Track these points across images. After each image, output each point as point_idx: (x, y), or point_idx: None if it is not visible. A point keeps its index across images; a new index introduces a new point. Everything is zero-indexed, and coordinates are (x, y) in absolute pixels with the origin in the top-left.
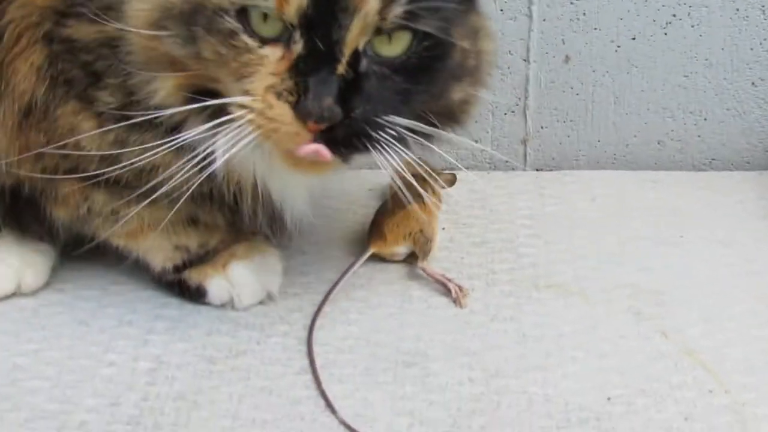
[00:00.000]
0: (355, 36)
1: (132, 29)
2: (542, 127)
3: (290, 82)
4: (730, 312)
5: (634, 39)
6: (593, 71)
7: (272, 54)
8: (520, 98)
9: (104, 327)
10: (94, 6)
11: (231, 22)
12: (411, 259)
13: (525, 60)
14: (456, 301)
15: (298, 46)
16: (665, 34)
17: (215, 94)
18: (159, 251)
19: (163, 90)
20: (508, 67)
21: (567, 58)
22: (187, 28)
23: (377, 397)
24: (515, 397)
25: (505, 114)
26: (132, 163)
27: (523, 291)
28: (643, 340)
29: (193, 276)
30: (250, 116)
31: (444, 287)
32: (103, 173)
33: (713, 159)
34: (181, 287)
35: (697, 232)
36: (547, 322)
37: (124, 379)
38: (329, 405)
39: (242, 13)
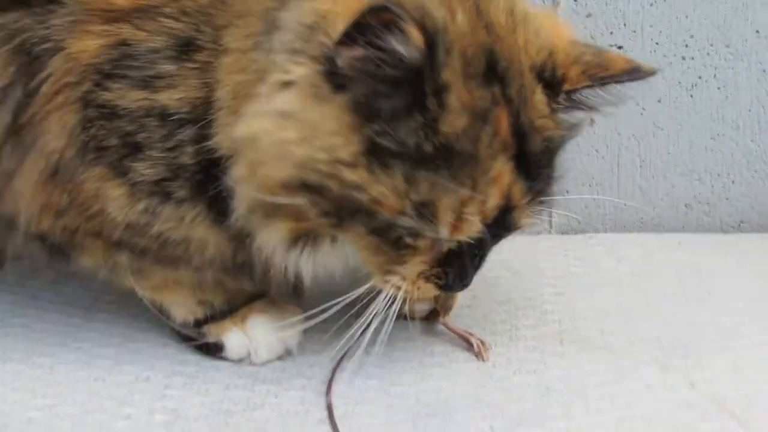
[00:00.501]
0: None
1: (248, 179)
2: (567, 191)
3: (439, 270)
4: (758, 362)
5: (659, 101)
6: (618, 134)
7: (424, 244)
8: None
9: (120, 382)
10: (143, 73)
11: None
12: (432, 317)
13: None
14: (478, 355)
15: (451, 245)
16: (691, 96)
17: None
18: (182, 305)
19: (276, 236)
20: None
21: (591, 121)
22: (339, 211)
23: None
24: None
25: None
26: (161, 235)
27: (547, 346)
28: (670, 391)
29: (212, 330)
30: (399, 293)
31: (466, 341)
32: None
33: (742, 222)
34: (200, 341)
35: (724, 288)
36: (571, 375)
37: (138, 430)
38: None
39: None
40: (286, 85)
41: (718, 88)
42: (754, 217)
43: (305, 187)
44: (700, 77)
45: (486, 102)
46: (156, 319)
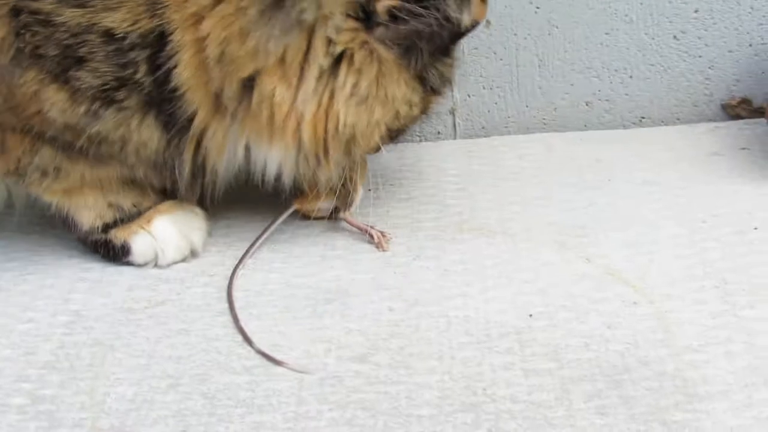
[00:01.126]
0: None
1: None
2: (469, 96)
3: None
4: (654, 238)
5: None
6: (515, 35)
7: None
8: None
9: (25, 291)
10: None
11: None
12: (334, 215)
13: None
14: (378, 246)
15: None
16: None
17: None
18: (92, 209)
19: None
20: None
21: (488, 23)
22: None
23: (295, 330)
24: (434, 320)
25: None
26: (98, 134)
27: (447, 234)
28: (566, 265)
29: (119, 234)
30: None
31: (367, 234)
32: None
33: (643, 117)
34: (107, 247)
35: (623, 176)
36: (469, 258)
37: (41, 331)
38: (246, 338)
39: None
40: (338, 59)
41: None
42: (655, 112)
43: (389, 132)
44: None
45: None
46: (60, 235)
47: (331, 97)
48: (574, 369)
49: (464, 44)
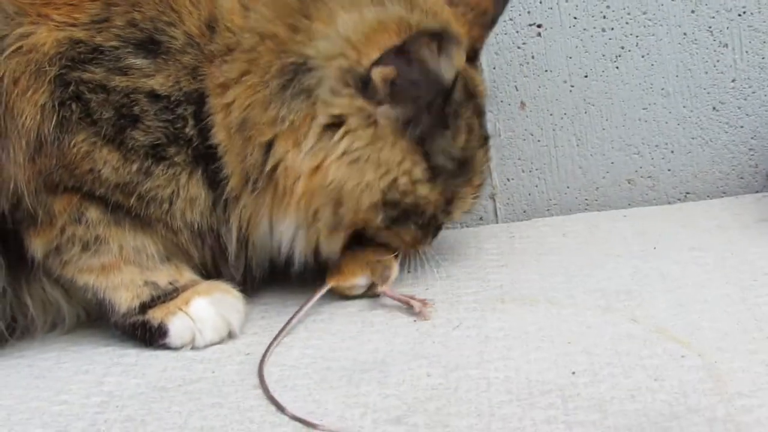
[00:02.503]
0: None
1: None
2: (508, 180)
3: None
4: (703, 297)
5: (586, 77)
6: (551, 115)
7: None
8: None
9: (60, 377)
10: (115, 64)
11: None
12: (370, 291)
13: None
14: (419, 314)
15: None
16: (617, 68)
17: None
18: (129, 288)
19: (340, 244)
20: None
21: (522, 105)
22: (399, 217)
23: (330, 397)
24: (474, 382)
25: None
26: (149, 192)
27: (488, 305)
28: (611, 327)
29: (156, 315)
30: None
31: (407, 305)
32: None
33: (687, 192)
34: (144, 329)
35: (669, 243)
36: (511, 326)
37: (73, 411)
38: (278, 406)
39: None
40: (337, 124)
41: (643, 57)
42: (699, 187)
43: (386, 205)
44: (623, 47)
45: (471, 118)
46: (96, 325)
47: (326, 156)
48: (619, 419)
49: (500, 127)
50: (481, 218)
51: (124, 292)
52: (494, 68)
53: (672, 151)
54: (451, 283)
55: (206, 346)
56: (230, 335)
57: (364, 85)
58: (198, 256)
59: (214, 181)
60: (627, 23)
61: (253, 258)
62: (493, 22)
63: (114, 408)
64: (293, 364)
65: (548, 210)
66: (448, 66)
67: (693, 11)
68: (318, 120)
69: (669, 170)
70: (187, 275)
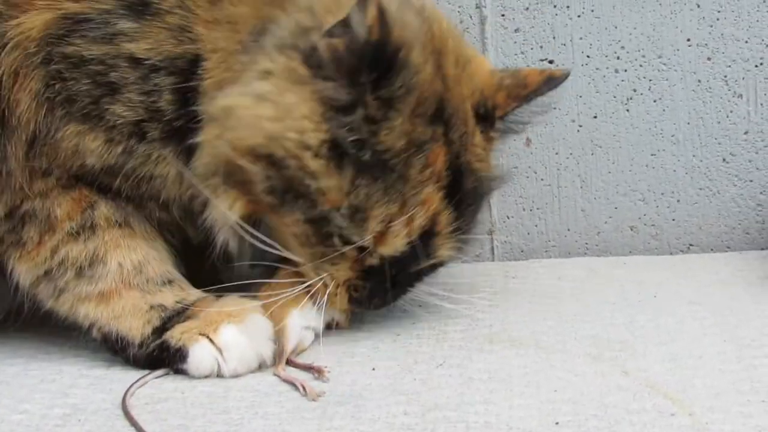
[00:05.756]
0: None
1: (217, 141)
2: (508, 217)
3: (360, 283)
4: (698, 353)
5: (595, 117)
6: (556, 154)
7: (350, 254)
8: None
9: (24, 384)
10: (102, 32)
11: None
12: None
13: None
14: (309, 394)
15: (374, 260)
16: (627, 110)
17: None
18: (134, 315)
19: (229, 208)
20: None
21: (528, 141)
22: (285, 192)
23: (301, 429)
24: (452, 425)
25: None
26: (134, 172)
27: (475, 345)
28: (601, 378)
29: (175, 334)
30: (326, 290)
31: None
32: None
33: (691, 244)
34: (161, 351)
35: (668, 296)
36: (497, 368)
37: (33, 422)
38: None
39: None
40: (267, 73)
41: (654, 101)
42: (703, 239)
43: (267, 158)
44: (635, 90)
45: (425, 136)
46: (67, 334)
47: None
48: None
49: (504, 163)
50: (477, 255)
51: (131, 320)
52: None
53: (678, 201)
54: (439, 319)
55: (233, 377)
56: (260, 367)
57: (310, 53)
58: (194, 234)
59: (192, 158)
60: (641, 66)
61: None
62: (527, 98)
63: (75, 422)
64: (266, 391)
65: (546, 251)
66: (360, 19)
67: (709, 58)
68: (249, 72)
69: (673, 220)
70: (195, 292)
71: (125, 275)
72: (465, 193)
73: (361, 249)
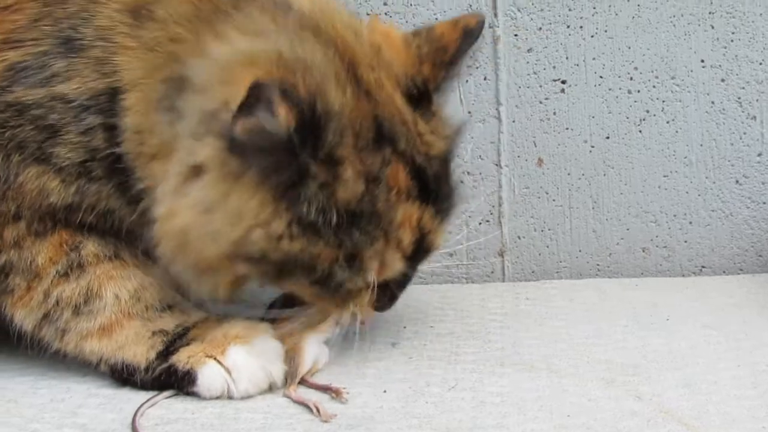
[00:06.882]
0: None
1: (174, 261)
2: (519, 237)
3: (379, 294)
4: (713, 378)
5: (608, 138)
6: (568, 174)
7: (363, 287)
8: (494, 206)
9: (33, 403)
10: (39, 76)
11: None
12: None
13: (497, 164)
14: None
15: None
16: (640, 131)
17: None
18: (138, 342)
19: (214, 288)
20: (480, 173)
21: (540, 161)
22: (279, 272)
23: None
24: None
25: (480, 223)
26: (94, 208)
27: (487, 368)
28: (614, 402)
29: (181, 358)
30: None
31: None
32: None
33: (703, 266)
34: (168, 375)
35: (681, 319)
36: (509, 391)
37: None
38: None
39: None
40: (196, 170)
41: (667, 122)
42: (716, 261)
43: (245, 258)
44: (647, 111)
45: (377, 166)
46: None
47: (180, 202)
48: None
49: (515, 183)
50: (487, 276)
51: (134, 348)
52: (513, 121)
53: (690, 222)
54: (451, 341)
55: (243, 399)
56: (271, 387)
57: (231, 139)
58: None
59: (132, 195)
60: (654, 87)
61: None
62: (452, 62)
63: None
64: (276, 413)
65: (557, 272)
66: (274, 121)
67: (723, 80)
68: (177, 164)
69: (686, 242)
70: (195, 314)
71: (123, 305)
72: (434, 181)
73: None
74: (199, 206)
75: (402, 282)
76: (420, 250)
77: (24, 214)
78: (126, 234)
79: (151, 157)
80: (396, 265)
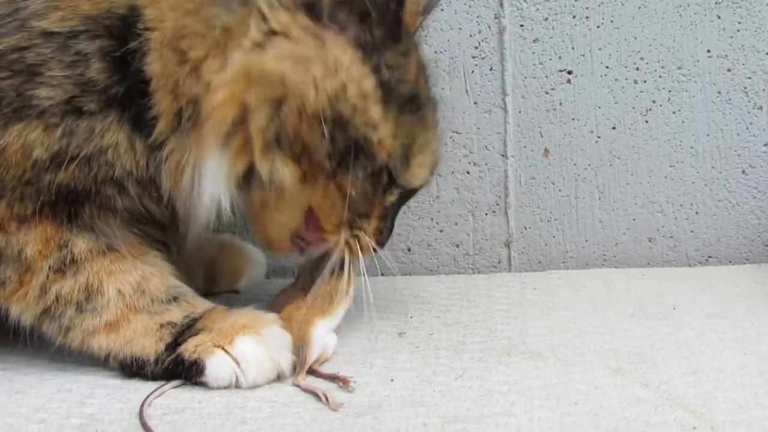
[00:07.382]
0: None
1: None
2: (525, 228)
3: (382, 225)
4: (719, 366)
5: (614, 128)
6: (574, 165)
7: (380, 199)
8: (500, 196)
9: (41, 393)
10: (16, 19)
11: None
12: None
13: (503, 155)
14: (330, 403)
15: (393, 197)
16: (646, 121)
17: None
18: (146, 335)
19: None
20: (486, 163)
21: (546, 152)
22: (345, 153)
23: None
24: None
25: (486, 214)
26: (79, 153)
27: (493, 357)
28: (621, 389)
29: (189, 347)
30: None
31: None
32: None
33: (709, 256)
34: (176, 365)
35: (688, 308)
36: (516, 380)
37: None
38: None
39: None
40: (282, 34)
41: (674, 113)
42: (722, 251)
43: (334, 119)
44: (654, 101)
45: (420, 66)
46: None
47: (260, 58)
48: None
49: (521, 173)
50: (494, 266)
51: (143, 341)
52: (519, 112)
53: (697, 212)
54: (457, 330)
55: (251, 388)
56: (279, 377)
57: (311, 5)
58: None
59: (140, 125)
60: (660, 77)
61: (186, 226)
62: (426, 10)
63: None
64: (284, 402)
65: (564, 262)
66: None
67: (729, 70)
68: (252, 34)
69: (692, 231)
70: (202, 305)
71: (128, 300)
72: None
73: (386, 190)
74: (290, 57)
75: (396, 212)
76: (432, 173)
77: (5, 193)
78: (117, 187)
79: (202, 59)
80: (425, 169)
